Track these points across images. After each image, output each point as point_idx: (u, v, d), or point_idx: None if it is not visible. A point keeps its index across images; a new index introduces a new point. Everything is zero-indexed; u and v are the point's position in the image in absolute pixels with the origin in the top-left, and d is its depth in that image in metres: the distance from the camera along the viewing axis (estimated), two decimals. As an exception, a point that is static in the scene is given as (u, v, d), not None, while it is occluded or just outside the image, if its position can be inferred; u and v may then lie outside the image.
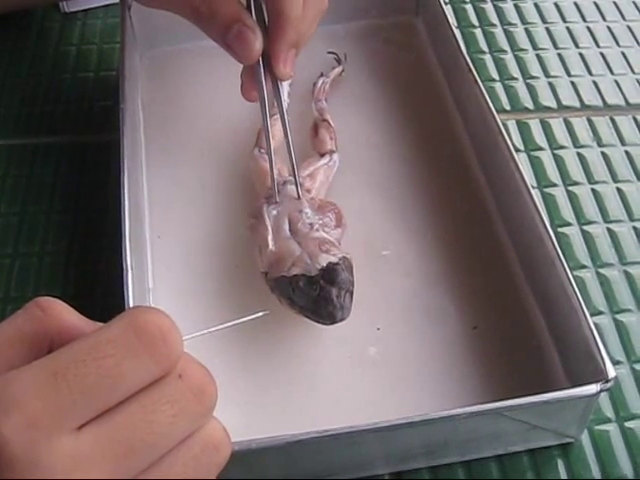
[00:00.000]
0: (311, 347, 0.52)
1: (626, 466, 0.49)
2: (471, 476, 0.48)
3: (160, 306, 0.51)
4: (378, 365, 0.52)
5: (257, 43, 0.53)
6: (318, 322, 0.49)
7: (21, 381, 0.28)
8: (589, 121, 0.68)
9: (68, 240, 0.61)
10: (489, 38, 0.75)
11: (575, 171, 0.65)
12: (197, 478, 0.31)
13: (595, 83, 0.71)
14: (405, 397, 0.50)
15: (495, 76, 0.72)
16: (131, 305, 0.48)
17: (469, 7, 0.78)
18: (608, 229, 0.61)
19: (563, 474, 0.48)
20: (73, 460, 0.28)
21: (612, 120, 0.68)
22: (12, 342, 0.31)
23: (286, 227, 0.54)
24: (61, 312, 0.32)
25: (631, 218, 0.61)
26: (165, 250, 0.58)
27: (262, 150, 0.60)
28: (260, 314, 0.36)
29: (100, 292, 0.57)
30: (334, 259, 0.51)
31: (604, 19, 0.77)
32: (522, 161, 0.57)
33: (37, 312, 0.31)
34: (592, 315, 0.47)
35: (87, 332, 0.31)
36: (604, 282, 0.57)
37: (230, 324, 0.35)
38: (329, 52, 0.70)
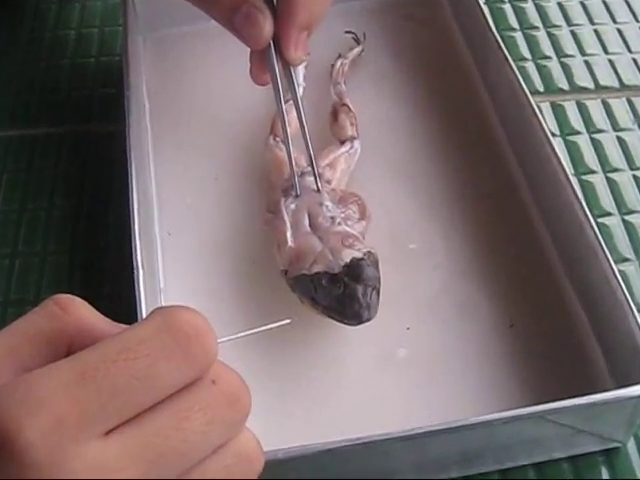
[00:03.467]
0: (336, 350, 0.53)
1: (676, 473, 0.49)
2: (509, 485, 0.48)
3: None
4: (408, 367, 0.52)
5: (267, 25, 0.53)
6: (343, 322, 0.50)
7: (47, 381, 0.28)
8: (629, 102, 0.68)
9: (71, 238, 0.61)
10: (519, 14, 0.75)
11: (615, 156, 0.64)
12: None
13: (635, 61, 0.71)
14: (438, 401, 0.50)
15: (527, 55, 0.72)
16: (143, 307, 0.49)
17: (497, -20, 0.78)
18: (652, 219, 0.61)
19: (607, 483, 0.48)
20: (100, 468, 0.28)
21: (654, 100, 0.68)
22: (29, 340, 0.31)
23: (306, 222, 0.54)
24: (81, 311, 0.32)
25: (677, 206, 0.61)
26: (176, 248, 0.59)
27: (277, 139, 0.60)
28: (284, 322, 0.36)
29: (107, 293, 0.58)
30: (358, 254, 0.51)
31: (642, -9, 0.77)
32: (558, 146, 0.57)
33: (56, 310, 0.32)
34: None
35: (109, 333, 0.31)
36: (649, 275, 0.57)
37: (255, 331, 0.35)
38: (347, 32, 0.70)
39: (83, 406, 0.28)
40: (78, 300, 0.33)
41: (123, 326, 0.32)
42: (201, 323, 0.31)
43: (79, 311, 0.32)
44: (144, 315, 0.47)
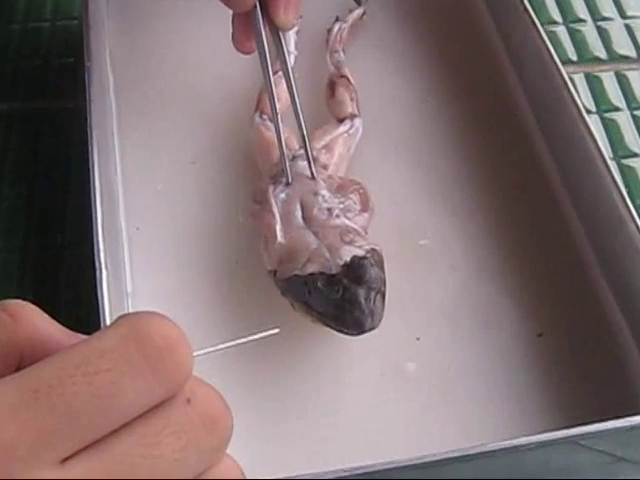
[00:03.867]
0: (334, 364, 0.53)
1: None
2: (537, 522, 0.49)
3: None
4: (418, 384, 0.52)
5: None
6: (342, 332, 0.50)
7: None
8: (677, 73, 0.69)
9: (22, 234, 0.61)
10: (549, -31, 0.76)
11: (661, 136, 0.65)
12: None
13: (684, 25, 0.72)
14: (453, 424, 0.50)
15: (557, 18, 0.72)
16: (107, 314, 0.49)
17: None
18: None
19: (651, 519, 0.49)
20: None
21: None
22: None
23: (298, 214, 0.54)
24: (34, 319, 0.32)
25: None
26: (146, 244, 0.59)
27: (265, 116, 0.60)
28: (271, 332, 0.36)
29: (65, 298, 0.58)
30: (360, 252, 0.51)
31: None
32: (594, 124, 0.57)
33: (4, 318, 0.32)
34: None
35: (66, 344, 0.31)
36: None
37: (238, 342, 0.35)
38: (346, -10, 0.70)
39: (35, 429, 0.28)
40: (30, 306, 0.33)
41: (83, 336, 0.32)
42: (173, 333, 0.31)
43: (31, 319, 0.32)
44: (108, 323, 0.47)
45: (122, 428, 0.30)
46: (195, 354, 0.32)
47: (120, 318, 0.31)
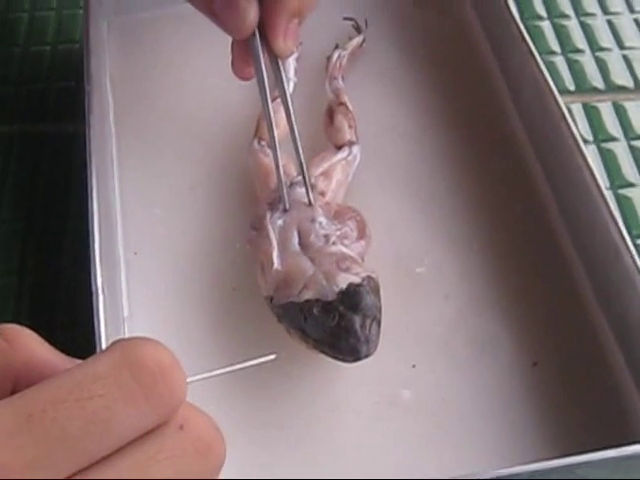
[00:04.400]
0: (329, 391, 0.53)
1: None
2: None
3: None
4: (414, 412, 0.52)
5: (251, 12, 0.53)
6: (337, 359, 0.50)
7: None
8: (674, 103, 0.69)
9: (19, 257, 0.61)
10: (548, 0, 0.76)
11: (658, 167, 0.65)
12: None
13: (681, 56, 0.72)
14: (448, 452, 0.50)
15: (556, 48, 0.72)
16: (103, 339, 0.49)
17: (522, -39, 0.79)
18: (702, 241, 0.61)
19: None
20: None
21: (703, 102, 0.69)
22: None
23: (295, 240, 0.54)
24: (30, 343, 0.32)
25: None
26: (143, 270, 0.59)
27: (263, 143, 0.61)
28: (267, 358, 0.36)
29: (61, 323, 0.58)
30: (356, 279, 0.51)
31: (689, -26, 0.78)
32: (591, 154, 0.57)
33: (0, 342, 0.32)
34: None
35: (62, 369, 0.31)
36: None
37: (233, 368, 0.35)
38: (345, 18, 0.70)
39: (28, 454, 0.28)
40: (27, 331, 0.33)
41: (79, 361, 0.32)
42: (166, 358, 0.31)
43: (27, 344, 0.32)
44: (104, 348, 0.47)
45: (115, 453, 0.30)
46: (189, 380, 0.32)
47: (114, 344, 0.31)
